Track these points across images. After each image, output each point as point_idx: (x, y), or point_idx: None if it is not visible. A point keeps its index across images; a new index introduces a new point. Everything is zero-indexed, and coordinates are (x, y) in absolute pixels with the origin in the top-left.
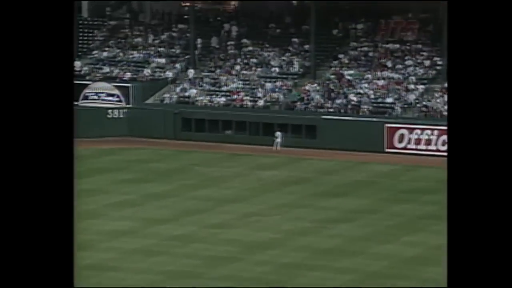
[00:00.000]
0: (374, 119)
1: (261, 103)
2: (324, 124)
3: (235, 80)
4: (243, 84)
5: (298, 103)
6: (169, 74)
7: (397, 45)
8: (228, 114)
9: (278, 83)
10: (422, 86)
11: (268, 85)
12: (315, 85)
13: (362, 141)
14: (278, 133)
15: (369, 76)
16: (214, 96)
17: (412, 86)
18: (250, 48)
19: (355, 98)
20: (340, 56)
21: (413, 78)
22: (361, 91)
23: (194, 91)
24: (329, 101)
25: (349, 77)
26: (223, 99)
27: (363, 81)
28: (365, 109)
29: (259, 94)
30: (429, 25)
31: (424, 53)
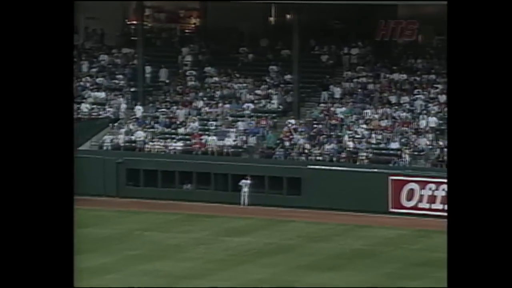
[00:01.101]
0: (376, 170)
1: (229, 149)
2: (311, 176)
3: (195, 119)
4: (206, 124)
5: (278, 148)
6: (110, 112)
7: (404, 75)
8: (187, 163)
9: (252, 123)
10: (435, 126)
11: (239, 126)
12: (299, 125)
13: (360, 199)
14: (243, 182)
15: (368, 114)
16: (168, 140)
17: (423, 127)
18: (216, 78)
19: (350, 143)
20: (331, 88)
21: (425, 117)
22: (358, 134)
23: (143, 133)
24: (317, 147)
25: (342, 116)
26: (181, 144)
27: (360, 121)
28: (364, 157)
29: (227, 138)
30: (444, 51)
31: (439, 86)
